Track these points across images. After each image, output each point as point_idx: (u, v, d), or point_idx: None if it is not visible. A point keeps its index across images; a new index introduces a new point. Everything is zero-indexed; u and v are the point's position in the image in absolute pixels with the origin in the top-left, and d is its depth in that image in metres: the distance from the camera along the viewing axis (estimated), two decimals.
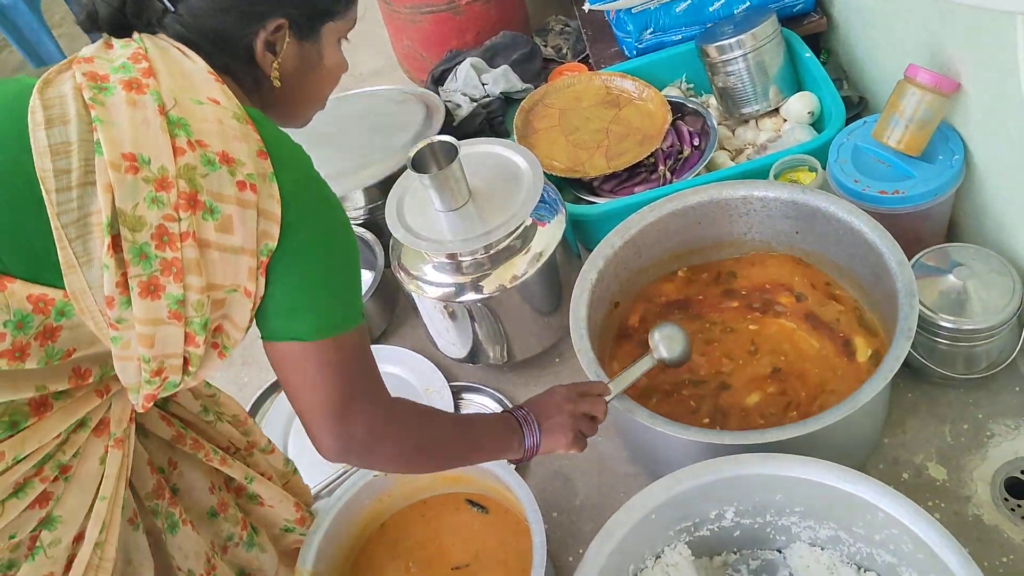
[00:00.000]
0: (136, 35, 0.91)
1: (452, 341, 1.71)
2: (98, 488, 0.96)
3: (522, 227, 1.57)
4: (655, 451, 1.40)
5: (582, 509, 1.50)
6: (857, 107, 1.86)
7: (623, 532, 1.15)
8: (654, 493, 1.16)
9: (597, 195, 1.84)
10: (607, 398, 1.21)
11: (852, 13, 1.89)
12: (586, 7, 1.96)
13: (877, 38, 1.79)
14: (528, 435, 1.13)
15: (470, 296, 1.57)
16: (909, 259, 1.33)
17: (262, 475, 1.23)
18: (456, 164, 1.50)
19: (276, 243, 0.87)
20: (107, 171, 0.80)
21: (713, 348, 1.53)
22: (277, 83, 0.95)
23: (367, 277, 1.91)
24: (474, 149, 1.64)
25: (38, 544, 0.93)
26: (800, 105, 1.82)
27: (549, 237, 1.60)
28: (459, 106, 1.99)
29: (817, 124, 1.85)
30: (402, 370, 1.78)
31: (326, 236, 0.91)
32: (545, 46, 2.31)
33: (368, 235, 1.89)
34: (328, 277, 0.91)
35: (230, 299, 0.88)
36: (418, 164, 1.52)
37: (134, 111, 0.83)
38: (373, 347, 1.76)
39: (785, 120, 1.88)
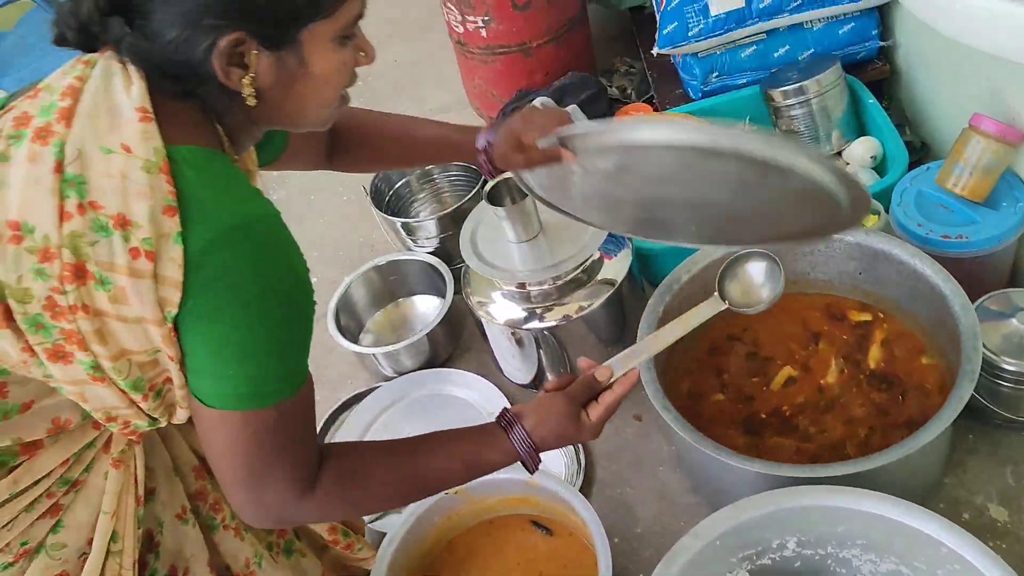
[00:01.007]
0: (99, 55, 0.86)
1: (517, 367, 1.77)
2: (100, 502, 0.97)
3: (590, 260, 1.63)
4: (719, 482, 1.44)
5: (643, 537, 1.54)
6: (919, 152, 1.90)
7: (688, 557, 1.19)
8: (720, 519, 1.20)
9: None
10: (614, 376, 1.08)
11: (915, 61, 1.94)
12: (655, 51, 2.03)
13: (940, 86, 1.84)
14: (514, 436, 1.02)
15: (537, 324, 1.63)
16: (972, 303, 1.36)
17: None
18: (529, 199, 1.57)
19: (177, 309, 0.79)
20: None
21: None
22: (252, 100, 0.86)
23: (435, 304, 1.99)
24: None
25: (42, 544, 0.95)
26: (863, 149, 1.87)
27: (615, 270, 1.66)
28: None
29: (879, 169, 1.89)
30: (467, 393, 1.84)
31: (244, 305, 0.81)
32: (610, 87, 2.39)
33: (439, 263, 1.97)
34: (240, 350, 0.82)
35: (160, 358, 0.85)
36: (493, 197, 1.60)
37: (30, 168, 0.79)
38: (441, 370, 1.87)
39: (847, 164, 1.92)
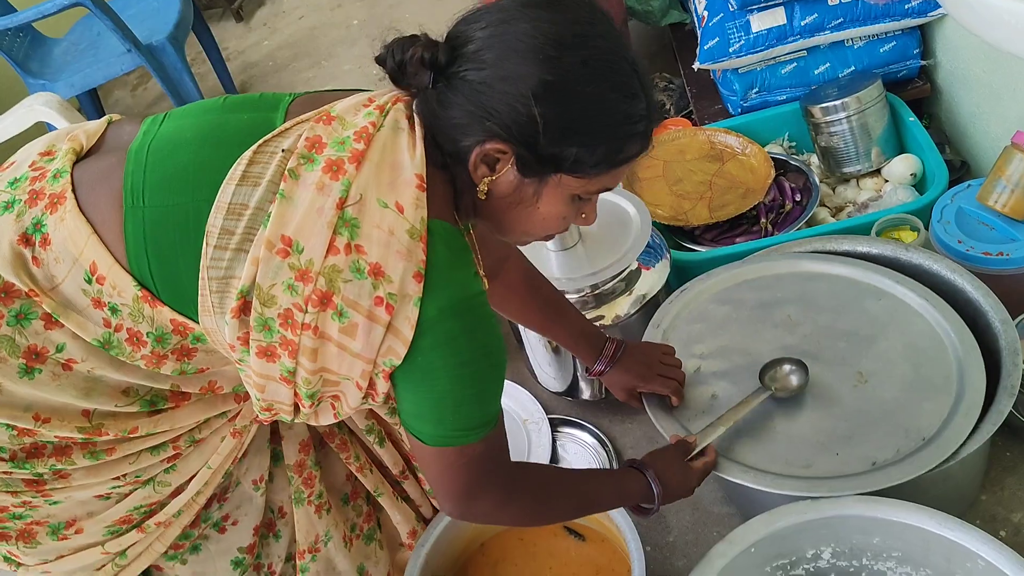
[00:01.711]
0: (390, 102, 0.94)
1: (552, 375, 1.78)
2: (210, 458, 1.10)
3: (627, 270, 1.65)
4: (751, 492, 1.44)
5: (675, 546, 1.55)
6: (959, 171, 1.90)
7: (723, 563, 1.19)
8: (755, 527, 1.21)
9: (698, 244, 1.91)
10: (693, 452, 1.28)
11: (956, 81, 1.94)
12: (695, 66, 2.05)
13: (981, 105, 1.84)
14: (655, 488, 1.20)
15: None
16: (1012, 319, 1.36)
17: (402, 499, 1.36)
18: None
19: (401, 360, 0.90)
20: (261, 246, 0.86)
21: None
22: (482, 196, 0.93)
23: None
24: None
25: (152, 479, 1.07)
26: (903, 167, 1.87)
27: (653, 281, 1.68)
28: None
29: (919, 187, 1.89)
30: (504, 400, 1.85)
31: (460, 365, 0.91)
32: None
33: None
34: (456, 401, 0.93)
35: (344, 384, 0.95)
36: None
37: (316, 195, 0.87)
38: None
39: (886, 181, 1.92)
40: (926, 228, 1.65)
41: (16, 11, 2.74)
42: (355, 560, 1.31)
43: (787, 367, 1.38)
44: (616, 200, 1.72)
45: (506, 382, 1.85)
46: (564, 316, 1.41)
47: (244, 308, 0.88)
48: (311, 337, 0.89)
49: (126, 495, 1.06)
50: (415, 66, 0.89)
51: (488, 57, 0.86)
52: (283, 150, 0.89)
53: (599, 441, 1.75)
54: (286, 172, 0.88)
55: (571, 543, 1.50)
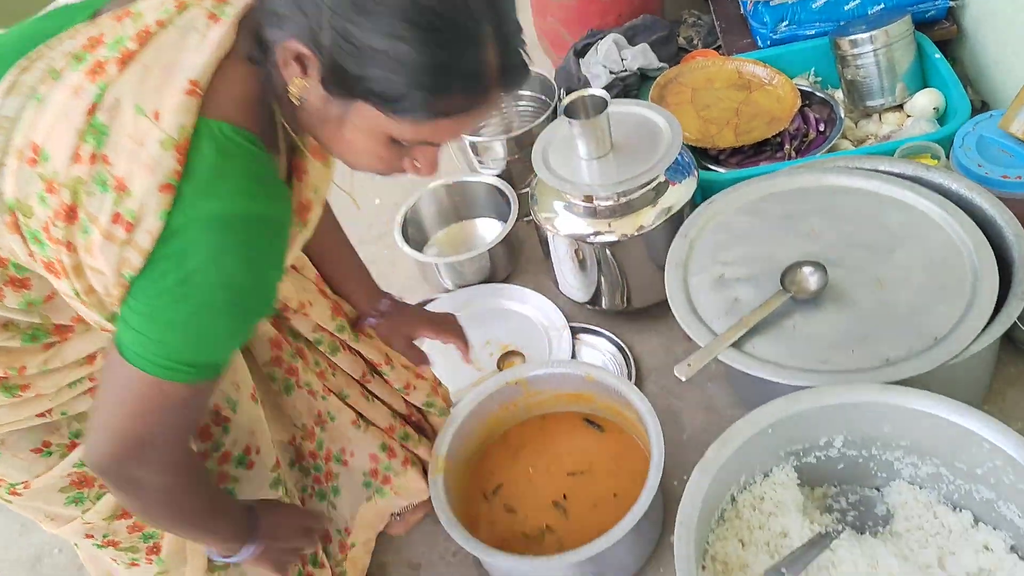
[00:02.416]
0: None
1: (576, 285, 1.84)
2: None
3: (655, 182, 1.70)
4: (767, 390, 1.50)
5: (688, 443, 1.62)
6: (978, 112, 1.94)
7: (740, 442, 1.26)
8: (774, 409, 1.27)
9: (722, 167, 1.96)
10: None
11: (984, 22, 1.98)
12: None
13: (1007, 45, 1.88)
14: (249, 547, 1.10)
15: (599, 238, 1.70)
16: None
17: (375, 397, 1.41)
18: (604, 115, 1.65)
19: (136, 273, 0.82)
20: (12, 156, 0.83)
21: None
22: (295, 100, 0.85)
23: (497, 227, 2.07)
24: (620, 108, 1.78)
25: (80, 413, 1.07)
26: (926, 100, 1.92)
27: (679, 195, 1.73)
28: (598, 76, 2.13)
29: (940, 122, 1.93)
30: (525, 308, 1.92)
31: (198, 286, 0.82)
32: (678, 36, 2.44)
33: (504, 185, 2.05)
34: (173, 321, 0.84)
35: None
36: (570, 112, 1.67)
37: (69, 99, 0.82)
38: (500, 285, 1.95)
39: (909, 116, 1.97)
40: (947, 156, 1.70)
41: None
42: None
43: (807, 269, 1.44)
44: (648, 114, 1.77)
45: (528, 290, 1.94)
46: (353, 257, 1.39)
47: (15, 224, 0.85)
48: (67, 254, 0.84)
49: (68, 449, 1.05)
50: None
51: None
52: (62, 54, 0.84)
53: (618, 348, 1.81)
54: (47, 72, 0.83)
55: (590, 432, 1.58)
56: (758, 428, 1.27)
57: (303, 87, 0.83)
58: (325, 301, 1.28)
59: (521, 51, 0.85)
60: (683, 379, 1.36)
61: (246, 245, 0.83)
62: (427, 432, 1.53)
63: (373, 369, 1.38)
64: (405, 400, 1.46)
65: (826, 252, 1.48)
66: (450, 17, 0.77)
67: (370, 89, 0.80)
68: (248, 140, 0.84)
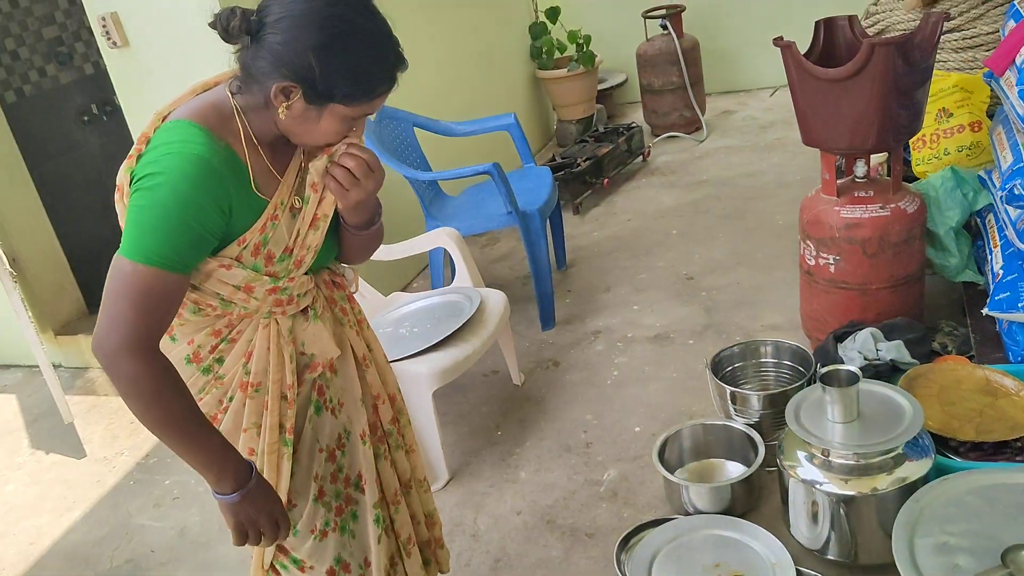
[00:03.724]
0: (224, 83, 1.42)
1: (807, 531, 2.06)
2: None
3: (894, 452, 1.94)
4: None
5: None
6: None
7: None
8: None
9: (960, 458, 2.15)
10: None
11: None
12: (984, 311, 2.36)
13: None
14: (240, 492, 1.38)
15: (836, 491, 1.94)
16: None
17: None
18: (855, 387, 1.96)
19: (129, 185, 1.33)
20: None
21: None
22: (283, 116, 1.33)
23: (741, 469, 2.35)
24: (871, 387, 2.08)
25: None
26: None
27: (915, 470, 1.95)
28: (852, 360, 2.44)
29: None
30: (756, 543, 2.14)
31: (149, 189, 1.28)
32: (932, 340, 2.70)
33: (755, 434, 2.36)
34: (139, 214, 1.28)
35: None
36: (825, 379, 1.99)
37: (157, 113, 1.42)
38: (736, 519, 2.21)
39: None
40: None
41: (431, 170, 3.64)
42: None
43: None
44: (895, 396, 2.04)
45: (760, 528, 2.18)
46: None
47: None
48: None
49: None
50: (236, 31, 1.31)
51: (282, 25, 1.27)
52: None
53: None
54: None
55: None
56: None
57: (288, 107, 1.32)
58: None
59: (400, 51, 1.37)
60: None
61: (180, 162, 1.29)
62: None
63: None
64: None
65: None
66: (381, 45, 1.34)
67: (343, 94, 1.32)
68: (201, 132, 1.33)
